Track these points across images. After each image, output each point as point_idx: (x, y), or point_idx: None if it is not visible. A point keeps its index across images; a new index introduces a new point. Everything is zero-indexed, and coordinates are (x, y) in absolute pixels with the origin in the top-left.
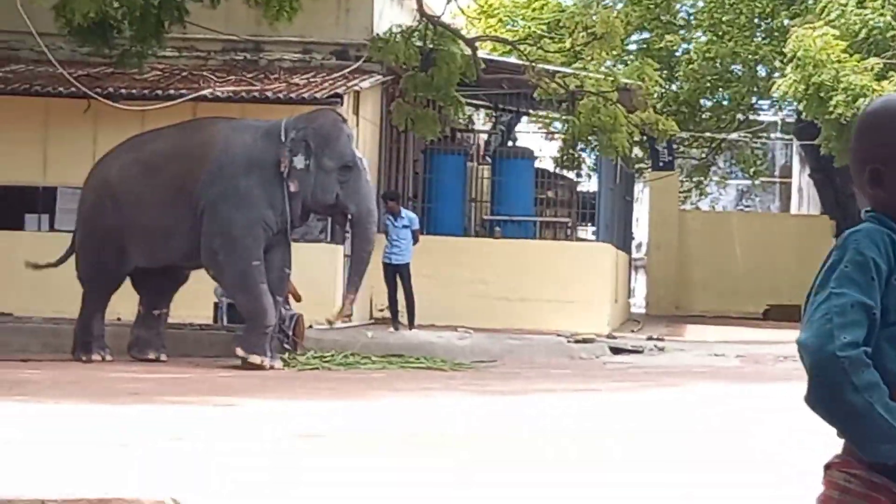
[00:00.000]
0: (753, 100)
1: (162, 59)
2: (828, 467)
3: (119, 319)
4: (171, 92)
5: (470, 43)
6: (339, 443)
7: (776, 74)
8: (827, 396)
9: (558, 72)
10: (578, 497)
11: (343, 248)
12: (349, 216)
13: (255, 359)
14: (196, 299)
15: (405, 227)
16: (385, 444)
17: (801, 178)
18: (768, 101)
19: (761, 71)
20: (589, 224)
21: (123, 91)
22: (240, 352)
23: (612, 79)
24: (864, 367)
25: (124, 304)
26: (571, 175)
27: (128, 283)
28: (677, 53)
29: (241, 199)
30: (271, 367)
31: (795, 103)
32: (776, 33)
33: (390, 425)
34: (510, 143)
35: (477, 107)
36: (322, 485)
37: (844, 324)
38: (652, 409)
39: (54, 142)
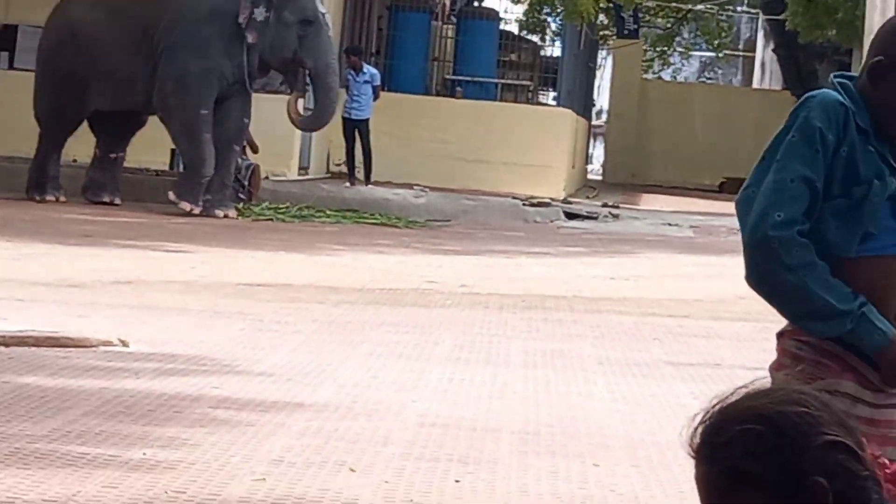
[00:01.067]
0: None
1: None
2: (780, 335)
3: (75, 161)
4: None
5: None
6: (286, 291)
7: None
8: (761, 276)
9: None
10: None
11: (304, 100)
12: (307, 71)
13: (185, 205)
14: (154, 145)
15: (366, 82)
16: (333, 295)
17: (764, 53)
18: None
19: None
20: (550, 89)
21: None
22: (171, 196)
23: None
24: (796, 247)
25: (80, 146)
26: (535, 39)
27: (85, 124)
28: None
29: (199, 48)
30: (200, 215)
31: None
32: None
33: (341, 278)
34: (475, 4)
35: None
36: (243, 329)
37: (781, 200)
38: (600, 276)
39: None
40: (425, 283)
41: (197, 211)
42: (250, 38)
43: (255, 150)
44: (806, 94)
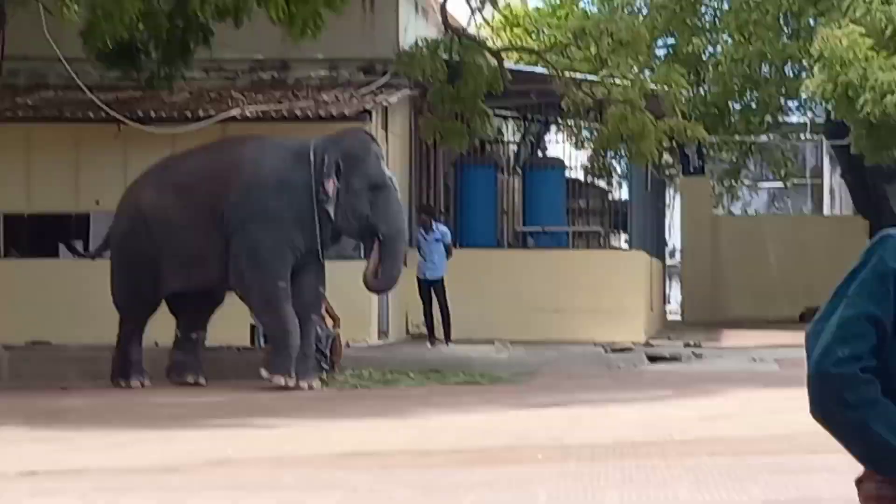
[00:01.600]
0: (782, 101)
1: (190, 81)
2: (860, 482)
3: (156, 344)
4: (201, 113)
5: (496, 54)
6: (377, 459)
7: (804, 75)
8: (824, 412)
9: (585, 80)
10: None
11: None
12: (380, 236)
13: (279, 380)
14: (233, 321)
15: (437, 240)
16: (425, 459)
17: (832, 179)
18: (797, 102)
19: (789, 71)
20: (621, 232)
21: (153, 114)
22: (264, 373)
23: (639, 86)
24: (859, 384)
25: (161, 328)
26: (602, 183)
27: (164, 306)
28: (704, 57)
29: (270, 221)
30: (298, 387)
31: (824, 103)
32: (803, 33)
33: (431, 440)
34: (540, 154)
35: (505, 118)
36: (339, 501)
37: (846, 337)
38: (690, 418)
39: (86, 167)
40: (515, 439)
41: (291, 383)
42: (331, 211)
43: (336, 322)
44: (882, 234)
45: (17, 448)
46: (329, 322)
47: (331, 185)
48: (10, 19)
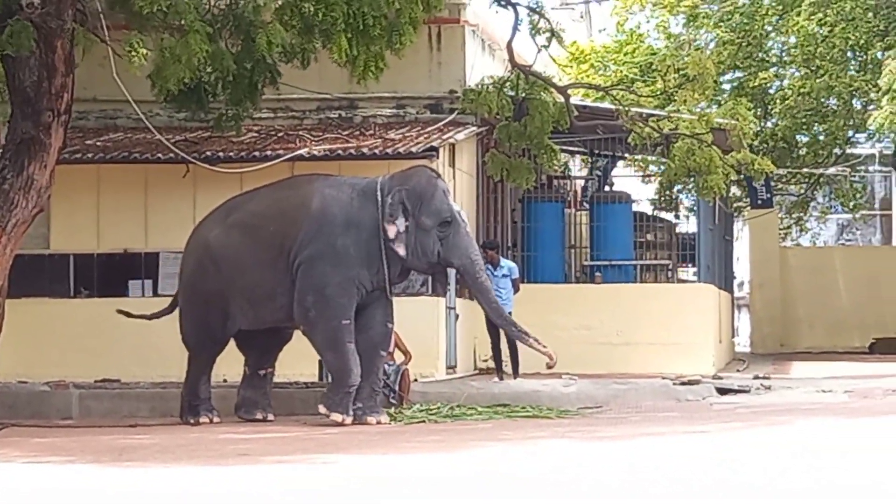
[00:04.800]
0: (850, 133)
1: (258, 121)
2: None
3: (225, 381)
4: (268, 153)
5: (562, 90)
6: (451, 495)
7: (871, 107)
8: None
9: (652, 115)
10: None
11: (444, 300)
12: (457, 270)
13: (336, 416)
14: (301, 357)
15: (504, 276)
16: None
17: None
18: (865, 134)
19: (857, 104)
20: (689, 265)
21: (221, 154)
22: (322, 409)
23: (706, 120)
24: None
25: (229, 365)
26: (670, 217)
27: (232, 344)
28: (771, 90)
29: (337, 258)
30: (364, 423)
31: (892, 135)
32: (870, 65)
33: (502, 473)
34: (607, 188)
35: (572, 153)
36: None
37: None
38: (763, 449)
39: (154, 207)
40: (584, 470)
41: (348, 421)
42: (401, 252)
43: (408, 357)
44: None
45: (87, 484)
46: (400, 357)
47: (392, 229)
48: (79, 62)
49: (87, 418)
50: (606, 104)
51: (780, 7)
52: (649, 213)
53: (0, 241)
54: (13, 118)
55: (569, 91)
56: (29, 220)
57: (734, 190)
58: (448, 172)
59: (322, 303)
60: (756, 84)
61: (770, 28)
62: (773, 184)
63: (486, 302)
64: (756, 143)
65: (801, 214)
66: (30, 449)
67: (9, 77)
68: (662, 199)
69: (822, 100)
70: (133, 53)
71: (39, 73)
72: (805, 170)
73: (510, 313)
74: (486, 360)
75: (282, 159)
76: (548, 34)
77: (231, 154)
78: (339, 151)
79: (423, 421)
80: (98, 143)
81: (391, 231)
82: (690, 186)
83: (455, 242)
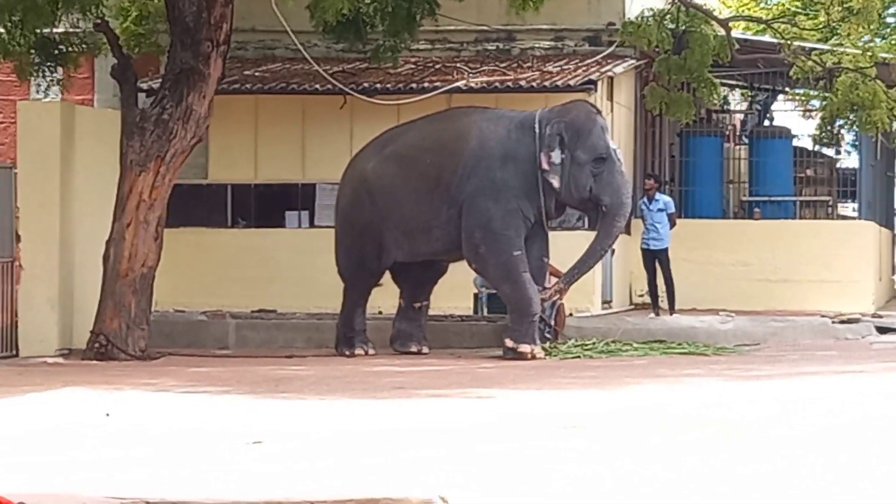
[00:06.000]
0: None
1: (415, 53)
2: None
3: (380, 313)
4: (426, 85)
5: (723, 23)
6: (602, 432)
7: None
8: None
9: (814, 49)
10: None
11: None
12: (602, 207)
13: (525, 348)
14: (456, 290)
15: (660, 210)
16: (650, 431)
17: None
18: None
19: None
20: (850, 201)
21: (378, 86)
22: (509, 342)
23: (870, 54)
24: None
25: (385, 297)
26: (830, 152)
27: (387, 275)
28: None
29: (499, 192)
30: (540, 357)
31: None
32: None
33: (655, 412)
34: (767, 123)
35: (732, 87)
36: (582, 478)
37: None
38: None
39: (311, 139)
40: (739, 410)
41: (539, 353)
42: (555, 183)
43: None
44: None
45: (243, 415)
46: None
47: (544, 159)
48: None
49: (243, 348)
50: (768, 37)
51: None
52: (810, 148)
53: (159, 171)
54: (172, 48)
55: (729, 24)
56: (188, 149)
57: None
58: (606, 106)
59: (490, 237)
60: None
61: None
62: None
63: (600, 244)
64: None
65: None
66: (187, 378)
67: (168, 8)
68: (823, 134)
69: None
70: None
71: (199, 4)
72: None
73: (666, 249)
74: (641, 296)
75: (439, 91)
76: None
77: (388, 86)
78: (497, 84)
79: (579, 356)
80: (256, 74)
81: (545, 162)
82: (853, 121)
83: (608, 180)
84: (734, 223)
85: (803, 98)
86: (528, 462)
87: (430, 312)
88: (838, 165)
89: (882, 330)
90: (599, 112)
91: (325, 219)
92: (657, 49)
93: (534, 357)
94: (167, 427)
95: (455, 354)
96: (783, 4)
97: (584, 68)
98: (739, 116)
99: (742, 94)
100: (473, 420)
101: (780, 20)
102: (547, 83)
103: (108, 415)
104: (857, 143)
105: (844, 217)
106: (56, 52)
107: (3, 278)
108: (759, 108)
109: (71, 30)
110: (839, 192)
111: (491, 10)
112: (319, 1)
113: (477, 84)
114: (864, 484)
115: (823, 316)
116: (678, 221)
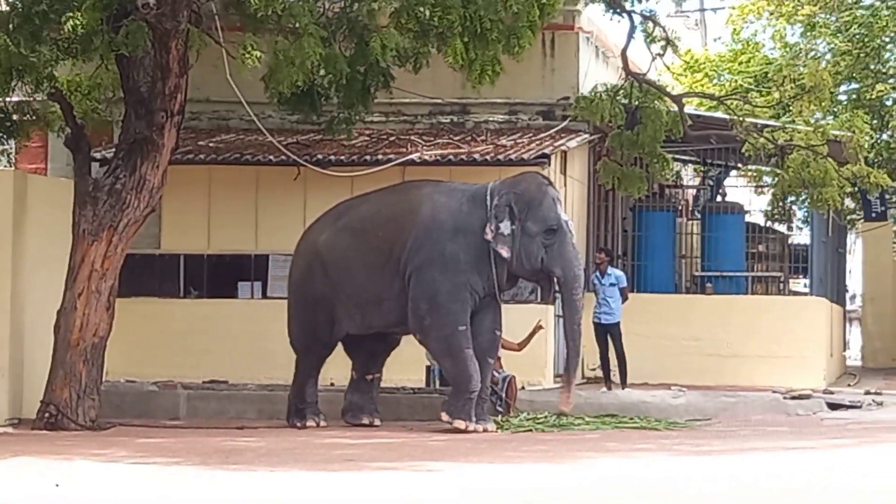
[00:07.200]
0: None
1: (369, 125)
2: None
3: (332, 384)
4: (380, 157)
5: (676, 99)
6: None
7: None
8: None
9: (767, 126)
10: None
11: (553, 307)
12: (555, 280)
13: (460, 423)
14: (408, 363)
15: (612, 284)
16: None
17: None
18: None
19: None
20: (802, 277)
21: (332, 157)
22: (444, 417)
23: (821, 132)
24: None
25: (337, 369)
26: (782, 228)
27: (339, 348)
28: (888, 102)
29: (447, 264)
30: (475, 431)
31: None
32: None
33: (603, 488)
34: (719, 198)
35: (685, 162)
36: None
37: None
38: (872, 468)
39: (265, 210)
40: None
41: (472, 428)
42: (504, 253)
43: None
44: None
45: (191, 487)
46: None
47: (489, 228)
48: (193, 63)
49: (194, 419)
50: (720, 114)
51: None
52: (762, 224)
53: (112, 240)
54: (126, 118)
55: (683, 100)
56: (140, 219)
57: (848, 202)
58: (559, 180)
59: (435, 310)
60: (873, 96)
61: (888, 39)
62: (887, 197)
63: (571, 321)
64: (872, 155)
65: None
66: (137, 449)
67: (123, 77)
68: (775, 210)
69: None
70: (247, 55)
71: (153, 74)
72: None
73: (618, 323)
74: (594, 370)
75: (393, 164)
76: (662, 42)
77: (342, 157)
78: (451, 157)
79: (530, 430)
80: (210, 144)
81: (489, 232)
82: (804, 198)
83: (560, 251)
84: (686, 298)
85: (755, 174)
86: None
87: (383, 385)
88: (790, 241)
89: (833, 406)
90: (551, 183)
91: (277, 290)
92: (610, 124)
93: (468, 431)
94: (116, 499)
95: (407, 427)
96: (736, 81)
97: (537, 142)
98: (692, 192)
99: (695, 170)
100: (423, 495)
101: (733, 97)
102: (501, 157)
103: (57, 486)
104: (808, 219)
105: (796, 293)
106: (9, 123)
107: None
108: (711, 183)
109: (25, 99)
110: (791, 267)
111: (445, 83)
112: (274, 72)
113: (431, 157)
114: None
115: (775, 392)
116: (630, 296)
